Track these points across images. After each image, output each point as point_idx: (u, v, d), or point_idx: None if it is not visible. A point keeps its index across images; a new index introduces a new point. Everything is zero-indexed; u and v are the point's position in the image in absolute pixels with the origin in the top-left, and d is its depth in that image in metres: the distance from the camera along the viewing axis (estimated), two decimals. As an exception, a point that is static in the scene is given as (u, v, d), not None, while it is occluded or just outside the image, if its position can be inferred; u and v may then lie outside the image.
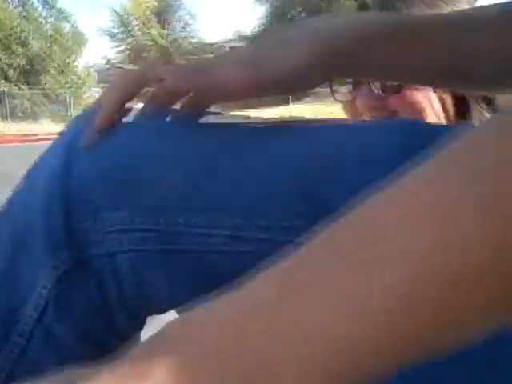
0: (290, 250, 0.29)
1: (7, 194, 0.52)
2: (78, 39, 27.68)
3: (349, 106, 0.99)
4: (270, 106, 24.34)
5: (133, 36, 33.99)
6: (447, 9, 0.85)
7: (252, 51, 0.52)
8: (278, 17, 30.92)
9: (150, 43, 33.00)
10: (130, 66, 34.16)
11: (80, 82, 25.32)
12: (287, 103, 21.49)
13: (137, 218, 0.47)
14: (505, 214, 0.25)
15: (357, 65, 0.53)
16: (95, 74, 30.14)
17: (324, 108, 22.53)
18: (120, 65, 33.77)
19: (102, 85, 29.07)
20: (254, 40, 0.57)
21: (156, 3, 33.45)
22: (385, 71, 0.54)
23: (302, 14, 30.31)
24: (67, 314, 0.49)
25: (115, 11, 33.55)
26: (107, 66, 34.22)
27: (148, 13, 33.37)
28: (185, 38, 34.80)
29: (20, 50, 23.96)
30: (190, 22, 34.71)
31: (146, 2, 33.05)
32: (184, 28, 34.73)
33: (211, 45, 35.16)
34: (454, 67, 0.53)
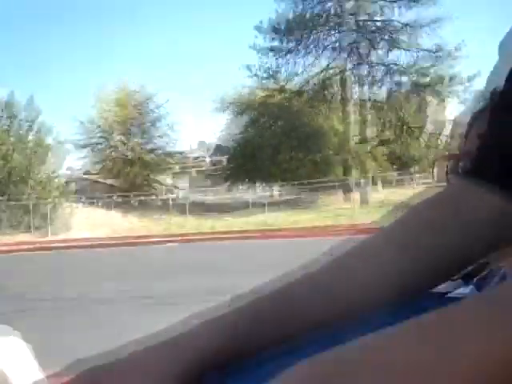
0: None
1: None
2: (58, 151, 28.06)
3: None
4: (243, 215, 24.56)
5: (111, 147, 34.59)
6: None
7: None
8: (255, 125, 31.88)
9: (130, 157, 33.58)
10: (112, 181, 34.51)
11: (58, 193, 25.48)
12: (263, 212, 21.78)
13: None
14: None
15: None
16: (73, 186, 30.47)
17: (298, 215, 22.93)
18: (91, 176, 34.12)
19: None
20: None
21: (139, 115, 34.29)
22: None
23: (279, 123, 31.26)
24: None
25: (96, 124, 34.27)
26: (86, 177, 34.66)
27: (128, 125, 34.14)
28: (164, 148, 35.44)
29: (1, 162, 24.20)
30: (170, 133, 35.47)
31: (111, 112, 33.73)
32: (163, 138, 35.43)
33: (193, 158, 35.95)
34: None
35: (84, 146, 34.29)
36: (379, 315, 0.52)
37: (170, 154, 35.60)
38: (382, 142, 31.63)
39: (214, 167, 41.35)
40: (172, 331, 0.55)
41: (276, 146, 29.86)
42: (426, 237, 0.57)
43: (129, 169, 33.33)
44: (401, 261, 0.56)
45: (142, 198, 29.82)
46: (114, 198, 29.01)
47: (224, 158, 37.03)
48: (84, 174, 37.17)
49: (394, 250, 0.57)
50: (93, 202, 29.36)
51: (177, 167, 36.81)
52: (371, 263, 0.57)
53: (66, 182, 27.62)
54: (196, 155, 47.06)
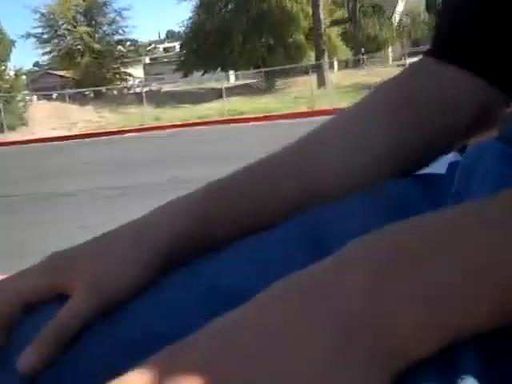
0: None
1: None
2: (3, 43, 27.05)
3: None
4: (204, 101, 24.39)
5: (59, 36, 33.40)
6: None
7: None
8: (206, 9, 30.88)
9: (80, 47, 32.45)
10: (63, 72, 33.52)
11: (8, 87, 24.75)
12: (221, 97, 21.63)
13: None
14: None
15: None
16: (24, 78, 29.55)
17: (256, 100, 22.82)
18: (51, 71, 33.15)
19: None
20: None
21: (83, 2, 32.94)
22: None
23: (229, 6, 30.41)
24: None
25: (40, 12, 32.90)
26: (37, 69, 33.55)
27: (73, 12, 32.85)
28: (113, 35, 34.38)
29: None
30: (119, 19, 34.31)
31: (72, 2, 32.50)
32: (112, 26, 34.31)
33: (145, 46, 34.90)
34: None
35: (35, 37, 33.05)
36: (355, 200, 0.51)
37: (122, 42, 34.60)
38: (336, 22, 31.18)
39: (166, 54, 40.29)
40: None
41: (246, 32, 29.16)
42: (407, 113, 0.55)
43: (79, 59, 32.37)
44: (383, 136, 0.54)
45: (97, 88, 29.16)
46: (65, 90, 28.30)
47: (176, 44, 35.98)
48: (33, 65, 35.94)
49: (376, 125, 0.55)
50: (46, 95, 28.67)
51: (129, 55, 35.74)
52: (346, 138, 0.55)
53: (16, 75, 26.73)
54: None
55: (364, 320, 0.30)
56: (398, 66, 21.92)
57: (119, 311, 0.47)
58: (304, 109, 18.47)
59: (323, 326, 0.30)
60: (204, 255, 0.50)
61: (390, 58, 34.53)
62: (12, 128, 21.86)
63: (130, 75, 35.19)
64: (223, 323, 0.33)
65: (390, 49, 35.35)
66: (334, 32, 31.19)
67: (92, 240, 0.52)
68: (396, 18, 32.15)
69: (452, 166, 0.54)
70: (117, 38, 34.57)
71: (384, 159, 0.54)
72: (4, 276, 0.51)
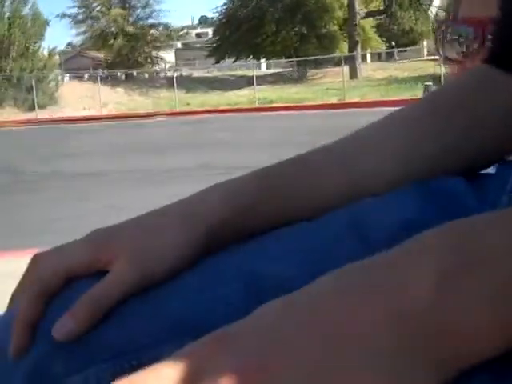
0: None
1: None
2: (38, 22, 27.28)
3: (459, 68, 0.86)
4: (234, 88, 24.40)
5: (93, 17, 33.60)
6: None
7: None
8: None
9: (113, 29, 32.62)
10: (95, 53, 33.75)
11: (41, 65, 24.98)
12: (251, 85, 21.60)
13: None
14: None
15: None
16: (57, 58, 29.80)
17: (287, 89, 22.78)
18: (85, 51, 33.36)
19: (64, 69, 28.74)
20: None
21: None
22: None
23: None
24: None
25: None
26: (70, 50, 33.82)
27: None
28: (146, 19, 34.49)
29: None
30: (152, 3, 34.40)
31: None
32: (145, 10, 34.43)
33: (177, 31, 34.98)
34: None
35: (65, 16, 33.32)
36: (399, 194, 0.50)
37: (155, 26, 34.71)
38: (371, 13, 30.90)
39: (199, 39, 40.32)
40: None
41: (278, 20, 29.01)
42: (458, 117, 0.54)
43: (112, 41, 32.54)
44: (437, 138, 0.54)
45: (129, 71, 29.30)
46: (100, 71, 28.48)
47: (208, 30, 36.01)
48: (66, 46, 36.24)
49: (425, 124, 0.54)
50: (78, 76, 28.90)
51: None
52: (400, 136, 0.54)
53: (49, 54, 26.95)
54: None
55: (429, 320, 0.29)
56: (432, 60, 21.66)
57: (157, 291, 0.47)
58: (334, 100, 18.39)
59: (385, 325, 0.29)
60: (248, 242, 0.50)
61: (425, 52, 34.16)
62: (43, 106, 22.09)
63: (161, 59, 35.31)
64: (269, 316, 0.32)
65: (425, 43, 34.95)
66: (369, 23, 30.95)
67: (135, 218, 0.51)
68: (432, 11, 31.75)
69: (502, 166, 0.53)
70: (150, 21, 34.74)
71: (436, 160, 0.54)
72: (32, 251, 0.51)
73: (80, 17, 33.94)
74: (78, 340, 0.45)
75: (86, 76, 28.71)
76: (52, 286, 0.47)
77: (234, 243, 0.50)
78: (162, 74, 30.79)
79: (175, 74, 25.03)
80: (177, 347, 0.43)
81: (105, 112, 21.26)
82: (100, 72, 27.64)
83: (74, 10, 33.84)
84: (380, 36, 32.71)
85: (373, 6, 31.73)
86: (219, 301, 0.45)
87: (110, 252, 0.48)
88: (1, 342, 0.47)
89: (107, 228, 0.50)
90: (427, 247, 0.32)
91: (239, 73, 30.02)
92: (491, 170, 0.55)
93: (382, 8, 31.39)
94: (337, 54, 26.09)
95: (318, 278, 0.33)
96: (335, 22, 29.43)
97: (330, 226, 0.49)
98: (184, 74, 31.04)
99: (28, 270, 0.49)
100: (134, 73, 29.90)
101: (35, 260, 0.49)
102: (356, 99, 17.16)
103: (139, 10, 34.41)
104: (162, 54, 35.41)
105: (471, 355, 0.30)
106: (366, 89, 18.90)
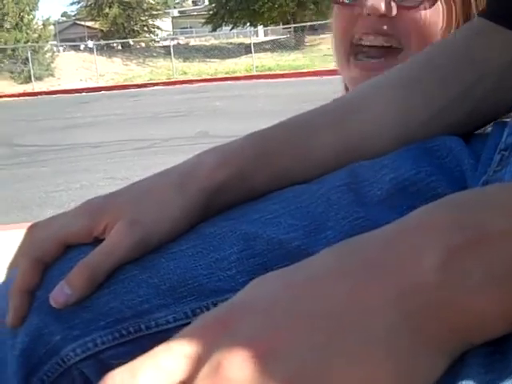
0: None
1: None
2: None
3: (343, 17, 0.85)
4: (232, 56, 24.22)
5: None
6: None
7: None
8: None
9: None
10: (91, 23, 33.41)
11: (36, 36, 24.76)
12: (249, 53, 21.44)
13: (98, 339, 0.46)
14: None
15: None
16: (52, 28, 29.49)
17: (285, 56, 22.62)
18: (80, 22, 33.01)
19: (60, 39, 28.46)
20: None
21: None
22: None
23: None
24: None
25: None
26: (65, 19, 33.45)
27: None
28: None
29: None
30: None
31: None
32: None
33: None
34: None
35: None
36: (396, 154, 0.50)
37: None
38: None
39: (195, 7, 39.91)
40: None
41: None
42: (459, 74, 0.54)
43: (107, 10, 32.18)
44: (431, 96, 0.53)
45: (126, 41, 29.05)
46: (93, 42, 28.21)
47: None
48: (61, 15, 35.86)
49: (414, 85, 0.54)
50: (73, 46, 28.65)
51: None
52: (393, 97, 0.54)
53: (44, 25, 26.69)
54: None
55: (435, 296, 0.28)
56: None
57: (154, 257, 0.47)
58: (332, 66, 18.24)
59: (389, 301, 0.29)
60: (244, 206, 0.50)
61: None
62: (39, 78, 21.94)
63: (158, 28, 34.98)
64: (269, 294, 0.31)
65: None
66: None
67: (131, 185, 0.51)
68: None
69: (497, 125, 0.53)
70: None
71: (434, 121, 0.53)
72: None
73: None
74: (76, 307, 0.45)
75: (82, 46, 28.47)
76: (48, 255, 0.47)
77: (230, 207, 0.50)
78: (159, 43, 30.52)
79: (172, 43, 24.83)
80: (175, 313, 0.45)
81: (102, 83, 21.12)
82: (96, 42, 27.41)
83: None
84: None
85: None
86: (216, 265, 0.46)
87: (105, 219, 0.48)
88: None
89: (103, 196, 0.50)
90: (438, 223, 0.30)
91: (237, 40, 29.75)
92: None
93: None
94: (334, 20, 25.73)
95: (318, 253, 0.32)
96: (333, -14, 29.04)
97: (326, 186, 0.49)
98: (181, 42, 30.78)
99: (24, 240, 0.49)
100: (131, 42, 29.65)
101: (31, 230, 0.50)
102: (355, 65, 17.01)
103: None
104: (158, 22, 35.07)
105: (476, 335, 0.29)
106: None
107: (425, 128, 0.53)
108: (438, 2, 0.79)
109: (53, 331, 0.45)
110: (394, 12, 0.79)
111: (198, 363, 0.29)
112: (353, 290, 0.29)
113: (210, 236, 0.47)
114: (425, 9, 0.79)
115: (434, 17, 0.79)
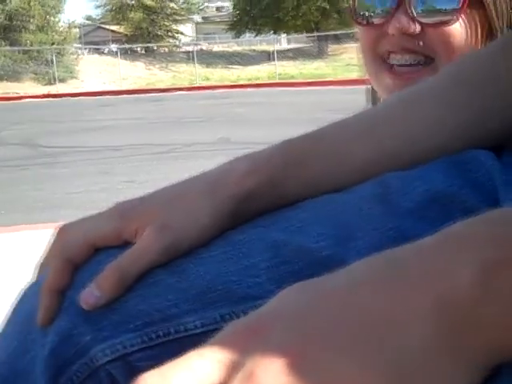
0: None
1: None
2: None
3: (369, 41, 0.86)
4: (254, 63, 24.26)
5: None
6: None
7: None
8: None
9: (132, 2, 32.43)
10: (116, 27, 33.66)
11: (61, 38, 24.98)
12: (271, 60, 21.47)
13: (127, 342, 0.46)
14: None
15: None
16: (77, 31, 29.75)
17: (307, 65, 22.63)
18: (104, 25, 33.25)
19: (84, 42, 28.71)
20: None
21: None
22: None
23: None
24: None
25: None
26: (90, 23, 33.72)
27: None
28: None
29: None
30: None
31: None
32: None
33: (197, 4, 34.75)
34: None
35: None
36: (428, 167, 0.50)
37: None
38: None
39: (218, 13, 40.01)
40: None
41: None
42: (486, 87, 0.53)
43: (131, 14, 32.40)
44: (466, 110, 0.52)
45: (149, 45, 29.22)
46: (116, 45, 28.39)
47: (228, 4, 35.71)
48: (85, 19, 36.16)
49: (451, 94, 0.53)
50: (97, 49, 28.89)
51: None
52: (428, 108, 0.54)
53: (69, 28, 26.91)
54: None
55: (470, 310, 0.28)
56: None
57: (184, 262, 0.47)
58: (355, 76, 18.22)
59: (425, 312, 0.28)
60: (273, 214, 0.50)
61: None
62: (63, 80, 22.14)
63: (181, 33, 35.13)
64: (301, 303, 0.31)
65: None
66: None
67: (161, 189, 0.51)
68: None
69: None
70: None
71: (467, 133, 0.52)
72: (53, 226, 0.51)
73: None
74: (105, 309, 0.45)
75: (106, 50, 28.68)
76: (78, 257, 0.48)
77: (260, 215, 0.50)
78: (182, 49, 30.66)
79: (195, 49, 24.93)
80: (203, 318, 0.45)
81: (125, 86, 21.26)
82: (119, 46, 27.57)
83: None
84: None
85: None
86: (245, 272, 0.46)
87: (136, 223, 0.48)
88: (29, 310, 0.47)
89: (132, 200, 0.50)
90: (473, 237, 0.30)
91: (259, 48, 29.81)
92: None
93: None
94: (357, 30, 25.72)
95: (352, 263, 0.32)
96: (357, -4, 28.99)
97: (357, 196, 0.49)
98: (204, 48, 30.89)
99: (55, 241, 0.50)
100: (154, 47, 29.81)
101: (62, 231, 0.50)
102: (377, 75, 16.97)
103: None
104: (181, 27, 35.23)
105: (510, 349, 0.29)
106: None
107: (454, 141, 0.52)
108: (461, 17, 0.80)
109: (82, 332, 0.46)
110: (418, 29, 0.80)
111: (231, 370, 0.29)
112: (389, 301, 0.29)
113: (240, 243, 0.47)
114: (448, 24, 0.80)
115: (458, 30, 0.80)
